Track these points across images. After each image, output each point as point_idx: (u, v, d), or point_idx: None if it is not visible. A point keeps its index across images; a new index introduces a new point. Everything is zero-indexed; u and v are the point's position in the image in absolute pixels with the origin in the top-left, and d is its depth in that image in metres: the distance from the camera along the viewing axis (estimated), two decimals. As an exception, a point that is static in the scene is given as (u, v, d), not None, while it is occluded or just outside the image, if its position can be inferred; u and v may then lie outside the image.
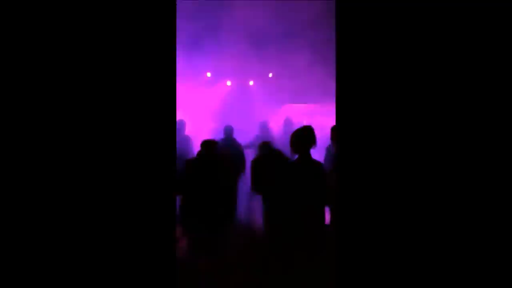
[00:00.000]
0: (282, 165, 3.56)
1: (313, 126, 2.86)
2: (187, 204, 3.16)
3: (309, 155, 2.77)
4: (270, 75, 8.23)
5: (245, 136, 5.84)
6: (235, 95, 8.25)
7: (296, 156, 2.79)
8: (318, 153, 3.13)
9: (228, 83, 8.37)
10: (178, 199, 3.22)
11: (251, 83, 8.43)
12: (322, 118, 7.08)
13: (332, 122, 3.62)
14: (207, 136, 5.52)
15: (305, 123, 6.42)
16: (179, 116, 5.91)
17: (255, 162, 3.96)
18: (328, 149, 5.05)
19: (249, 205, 5.25)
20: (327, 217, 2.77)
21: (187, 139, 5.32)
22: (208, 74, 8.11)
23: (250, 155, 4.80)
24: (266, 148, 3.97)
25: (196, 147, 4.25)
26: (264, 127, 5.92)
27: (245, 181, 4.48)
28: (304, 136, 2.77)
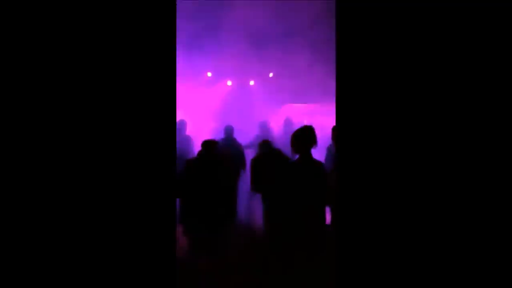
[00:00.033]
0: (283, 165, 3.56)
1: (314, 126, 2.85)
2: (187, 204, 3.16)
3: (310, 155, 2.76)
4: (271, 75, 8.23)
5: (246, 136, 5.84)
6: (236, 95, 8.25)
7: (297, 156, 2.79)
8: (319, 153, 3.12)
9: (229, 83, 8.37)
10: (178, 199, 3.22)
11: (251, 83, 8.43)
12: (323, 118, 7.08)
13: (333, 122, 3.62)
14: (208, 136, 5.53)
15: (305, 123, 6.42)
16: (179, 116, 5.93)
17: (254, 161, 3.96)
18: (329, 149, 5.05)
19: (249, 205, 5.25)
20: (328, 217, 2.76)
21: (187, 139, 5.32)
22: (209, 74, 8.12)
23: (250, 155, 4.80)
24: (266, 146, 3.97)
25: (196, 147, 4.25)
26: (264, 127, 5.92)
27: (245, 181, 4.48)
28: (304, 136, 2.76)
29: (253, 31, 6.76)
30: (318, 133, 2.85)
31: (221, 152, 3.48)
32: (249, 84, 8.45)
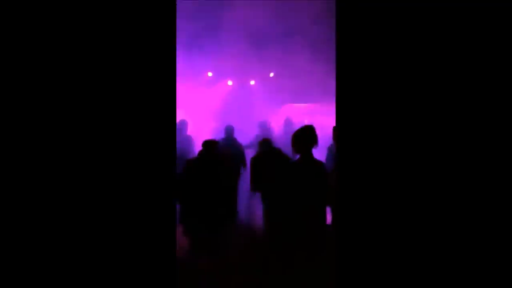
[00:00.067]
0: (284, 164, 3.56)
1: (314, 125, 2.85)
2: (187, 203, 3.16)
3: (311, 154, 2.76)
4: (271, 74, 8.23)
5: (246, 135, 5.84)
6: (236, 95, 8.25)
7: (298, 156, 2.78)
8: (319, 153, 3.12)
9: (229, 82, 8.38)
10: (179, 198, 3.22)
11: (252, 82, 8.44)
12: (323, 118, 7.08)
13: (333, 121, 3.62)
14: (209, 135, 5.53)
15: (306, 122, 6.42)
16: (180, 116, 5.93)
17: (254, 160, 3.95)
18: (329, 149, 5.05)
19: (250, 205, 5.25)
20: (329, 217, 2.76)
21: (188, 139, 5.32)
22: (209, 74, 8.12)
23: (250, 155, 4.79)
24: (266, 145, 3.97)
25: (197, 147, 4.26)
26: (264, 127, 5.93)
27: (246, 180, 4.48)
28: (305, 136, 2.76)
29: (254, 31, 6.76)
30: (319, 133, 2.85)
31: (222, 152, 3.48)
32: (249, 84, 8.45)
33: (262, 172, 3.76)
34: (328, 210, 2.78)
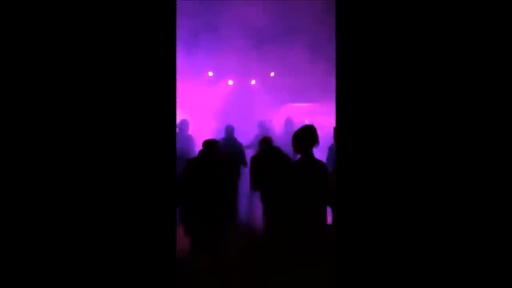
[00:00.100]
0: (284, 164, 3.56)
1: (315, 125, 2.84)
2: (188, 203, 3.16)
3: (312, 154, 2.75)
4: (272, 74, 8.23)
5: (247, 135, 5.84)
6: (237, 95, 8.26)
7: (299, 156, 2.78)
8: (320, 153, 3.12)
9: (230, 82, 8.38)
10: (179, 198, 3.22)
11: (253, 82, 8.44)
12: (324, 118, 7.07)
13: (334, 121, 3.61)
14: (209, 135, 5.53)
15: (306, 122, 6.41)
16: (181, 115, 5.94)
17: (254, 159, 3.95)
18: (330, 149, 5.05)
19: (250, 205, 5.25)
20: (329, 217, 2.76)
21: (189, 139, 5.33)
22: (210, 74, 8.12)
23: (250, 155, 4.80)
24: (266, 144, 3.96)
25: (198, 147, 4.26)
26: (263, 126, 5.93)
27: (246, 180, 4.48)
28: (306, 136, 2.75)
29: (254, 30, 6.76)
30: (320, 132, 2.85)
31: (222, 152, 3.48)
32: (250, 83, 8.46)
33: (262, 171, 3.76)
34: (329, 210, 2.78)
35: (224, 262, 3.16)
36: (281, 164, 3.61)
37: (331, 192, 2.63)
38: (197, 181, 3.13)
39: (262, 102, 7.91)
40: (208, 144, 3.26)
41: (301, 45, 6.93)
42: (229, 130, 5.25)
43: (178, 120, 5.24)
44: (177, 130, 5.26)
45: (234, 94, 8.28)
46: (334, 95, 1.79)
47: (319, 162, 2.77)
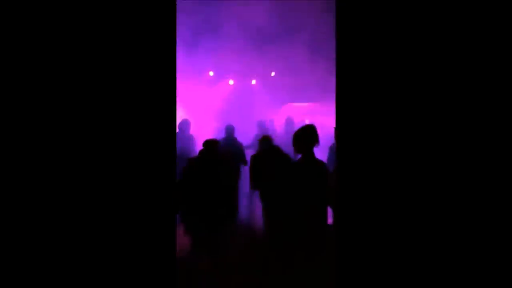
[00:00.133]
0: (284, 164, 3.55)
1: (316, 125, 2.84)
2: (188, 203, 3.15)
3: (313, 154, 2.75)
4: (273, 74, 8.23)
5: (248, 135, 5.84)
6: (238, 94, 8.26)
7: (299, 156, 2.77)
8: (321, 152, 3.11)
9: (231, 82, 8.38)
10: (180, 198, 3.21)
11: (253, 82, 8.44)
12: (325, 117, 7.07)
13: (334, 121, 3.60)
14: (210, 135, 5.53)
15: (307, 122, 6.41)
16: (182, 115, 5.93)
17: (254, 158, 3.94)
18: (331, 149, 5.05)
19: (250, 205, 5.25)
20: (330, 217, 2.75)
21: (191, 138, 5.33)
22: (211, 73, 8.12)
23: (251, 155, 4.80)
24: (266, 143, 3.96)
25: (199, 146, 4.26)
26: (262, 126, 5.92)
27: (246, 180, 4.47)
28: (306, 135, 2.75)
29: (255, 30, 6.77)
30: (320, 132, 2.84)
31: (222, 152, 3.48)
32: (250, 83, 8.46)
33: (262, 171, 3.75)
34: (330, 210, 2.77)
35: (224, 262, 3.16)
36: (281, 163, 3.61)
37: (332, 192, 2.62)
38: (197, 181, 3.12)
39: (262, 101, 7.91)
40: (208, 144, 3.26)
41: (301, 45, 6.93)
42: (229, 130, 5.25)
43: (179, 120, 5.24)
44: (178, 130, 5.27)
45: (235, 94, 8.28)
46: (334, 94, 1.78)
47: (319, 162, 2.76)
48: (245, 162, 5.01)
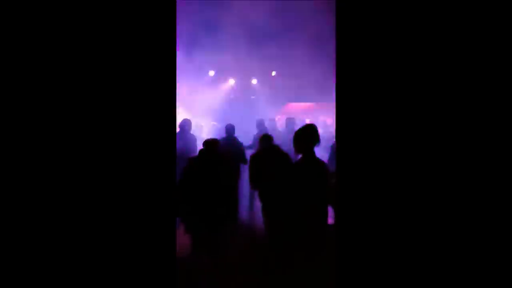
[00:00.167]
0: (284, 163, 3.54)
1: (317, 124, 2.83)
2: (188, 202, 3.15)
3: (313, 154, 2.74)
4: (273, 73, 8.24)
5: (248, 135, 5.83)
6: (238, 94, 8.27)
7: (300, 156, 2.76)
8: (322, 152, 3.11)
9: (231, 81, 8.39)
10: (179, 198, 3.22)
11: (254, 81, 8.44)
12: (326, 117, 7.08)
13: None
14: (210, 135, 5.52)
15: (308, 121, 6.40)
16: (183, 115, 5.94)
17: (254, 157, 3.94)
18: (332, 148, 5.04)
19: (251, 205, 5.25)
20: (331, 217, 2.75)
21: (192, 138, 5.33)
22: (211, 73, 8.13)
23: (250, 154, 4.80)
24: (266, 141, 3.95)
25: (199, 146, 4.26)
26: (261, 125, 5.92)
27: (247, 180, 4.47)
28: (306, 135, 2.74)
29: (255, 29, 6.77)
30: (321, 131, 2.83)
31: (222, 152, 3.47)
32: (251, 83, 8.46)
33: (262, 170, 3.74)
34: (331, 210, 2.77)
35: (224, 262, 3.15)
36: (280, 162, 3.60)
37: (333, 192, 2.61)
38: (197, 181, 3.12)
39: (263, 101, 7.92)
40: (208, 143, 3.26)
41: (302, 44, 6.93)
42: (229, 130, 5.24)
43: (179, 119, 5.24)
44: (179, 129, 5.27)
45: (235, 93, 8.29)
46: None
47: (320, 162, 2.75)
48: (245, 161, 5.01)
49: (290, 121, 6.01)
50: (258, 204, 3.99)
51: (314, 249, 2.55)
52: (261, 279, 3.00)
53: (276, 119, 6.86)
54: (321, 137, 2.80)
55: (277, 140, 4.15)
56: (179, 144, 4.74)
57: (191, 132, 5.41)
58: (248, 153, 4.79)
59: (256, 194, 4.20)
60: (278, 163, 3.60)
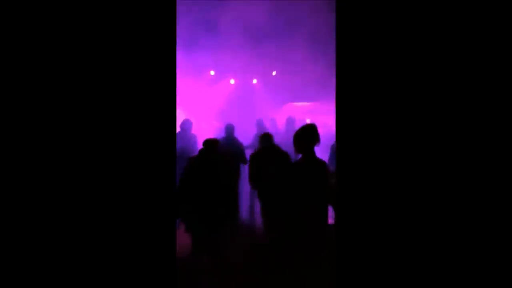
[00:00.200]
0: (284, 163, 3.54)
1: (317, 124, 2.83)
2: (188, 202, 3.15)
3: (313, 153, 2.73)
4: (274, 73, 8.23)
5: (248, 135, 5.83)
6: (239, 94, 8.26)
7: (300, 156, 2.76)
8: (323, 152, 3.10)
9: (232, 81, 8.38)
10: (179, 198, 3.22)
11: (254, 81, 8.43)
12: (326, 116, 7.07)
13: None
14: (211, 135, 5.52)
15: (308, 121, 6.40)
16: (183, 115, 5.93)
17: (253, 157, 3.93)
18: (332, 148, 5.04)
19: (252, 205, 5.25)
20: (331, 217, 2.75)
21: (193, 138, 5.34)
22: (212, 73, 8.12)
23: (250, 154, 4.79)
24: (266, 140, 3.94)
25: (200, 146, 4.27)
26: (261, 125, 5.91)
27: (247, 180, 4.47)
28: (306, 135, 2.74)
29: (255, 28, 6.76)
30: (321, 131, 2.83)
31: (222, 151, 3.47)
32: (252, 82, 8.45)
33: (261, 170, 3.74)
34: (331, 210, 2.77)
35: (224, 262, 3.15)
36: (280, 162, 3.60)
37: (333, 192, 2.61)
38: (197, 181, 3.12)
39: (264, 101, 7.91)
40: (208, 143, 3.26)
41: (302, 43, 6.92)
42: (229, 129, 5.24)
43: (180, 119, 5.25)
44: (180, 129, 5.29)
45: (236, 93, 8.28)
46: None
47: (320, 162, 2.75)
48: (245, 161, 5.01)
49: (290, 121, 6.01)
50: (258, 203, 3.99)
51: (314, 249, 2.55)
52: (261, 279, 3.00)
53: (273, 119, 6.86)
54: (321, 137, 2.80)
55: (277, 140, 4.15)
56: (180, 144, 4.75)
57: (192, 132, 5.42)
58: (248, 153, 4.79)
59: (256, 192, 4.20)
60: (278, 162, 3.60)
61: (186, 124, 5.37)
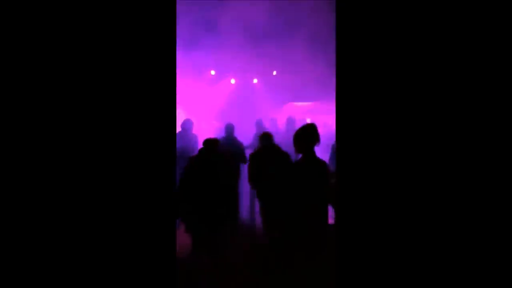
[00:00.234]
0: (284, 162, 3.54)
1: (317, 124, 2.83)
2: (188, 202, 3.15)
3: (313, 153, 2.73)
4: (274, 73, 8.23)
5: (249, 134, 5.83)
6: (239, 94, 8.26)
7: (300, 155, 2.76)
8: (323, 152, 3.10)
9: (232, 81, 8.38)
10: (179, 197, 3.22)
11: (255, 81, 8.43)
12: (327, 116, 7.08)
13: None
14: (211, 134, 5.52)
15: (308, 121, 6.40)
16: (183, 115, 5.93)
17: (253, 156, 3.93)
18: (333, 148, 5.03)
19: (252, 205, 5.25)
20: (331, 217, 2.75)
21: (194, 138, 5.34)
22: (212, 72, 8.12)
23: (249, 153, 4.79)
24: (266, 139, 3.94)
25: (200, 146, 4.27)
26: (261, 124, 5.91)
27: (247, 180, 4.48)
28: (306, 134, 2.74)
29: (255, 28, 6.76)
30: (322, 131, 2.83)
31: (222, 151, 3.47)
32: (252, 82, 8.45)
33: (261, 169, 3.74)
34: (331, 210, 2.76)
35: (224, 262, 3.15)
36: (280, 161, 3.60)
37: (333, 192, 2.61)
38: (197, 180, 3.12)
39: (264, 101, 7.91)
40: (208, 143, 3.26)
41: (303, 43, 6.92)
42: (229, 129, 5.24)
43: (180, 119, 5.25)
44: (181, 129, 5.29)
45: (237, 93, 8.28)
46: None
47: (320, 162, 2.75)
48: (244, 161, 5.01)
49: (290, 120, 6.01)
50: (258, 203, 3.99)
51: (314, 249, 2.55)
52: (261, 279, 3.00)
53: (274, 119, 6.86)
54: (321, 137, 2.80)
55: (277, 140, 4.15)
56: (180, 143, 4.76)
57: (193, 132, 5.43)
58: (248, 152, 4.80)
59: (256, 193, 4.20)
60: (278, 162, 3.60)
61: (187, 124, 5.37)
